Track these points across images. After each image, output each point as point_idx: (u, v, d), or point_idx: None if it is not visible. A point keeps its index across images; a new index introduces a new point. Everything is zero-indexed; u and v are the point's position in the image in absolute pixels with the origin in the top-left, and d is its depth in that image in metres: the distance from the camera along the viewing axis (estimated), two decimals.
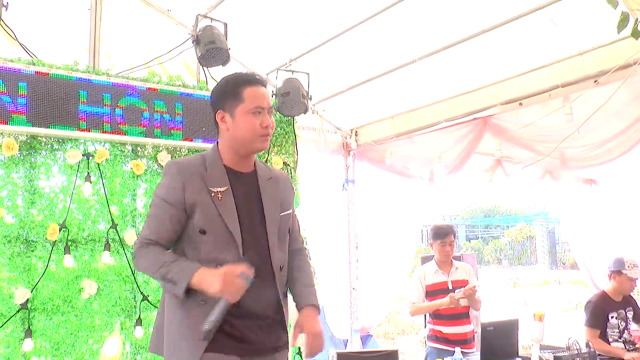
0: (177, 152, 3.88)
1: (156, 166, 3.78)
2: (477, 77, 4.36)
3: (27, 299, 3.26)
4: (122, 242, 3.56)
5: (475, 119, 4.46)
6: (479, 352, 3.91)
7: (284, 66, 4.36)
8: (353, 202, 5.46)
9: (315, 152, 5.04)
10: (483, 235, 40.74)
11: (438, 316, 4.27)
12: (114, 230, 3.55)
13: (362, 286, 5.38)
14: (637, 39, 2.40)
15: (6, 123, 3.28)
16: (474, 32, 3.79)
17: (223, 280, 1.85)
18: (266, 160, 4.21)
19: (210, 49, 3.71)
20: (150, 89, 3.76)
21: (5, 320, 3.20)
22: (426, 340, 4.47)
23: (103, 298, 3.49)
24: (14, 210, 3.32)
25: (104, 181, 3.57)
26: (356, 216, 5.47)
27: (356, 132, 5.42)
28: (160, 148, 3.81)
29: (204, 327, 1.84)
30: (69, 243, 3.41)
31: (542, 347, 3.84)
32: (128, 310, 3.56)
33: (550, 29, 3.67)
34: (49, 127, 3.39)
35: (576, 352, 3.79)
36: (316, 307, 2.19)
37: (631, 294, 4.55)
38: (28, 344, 3.22)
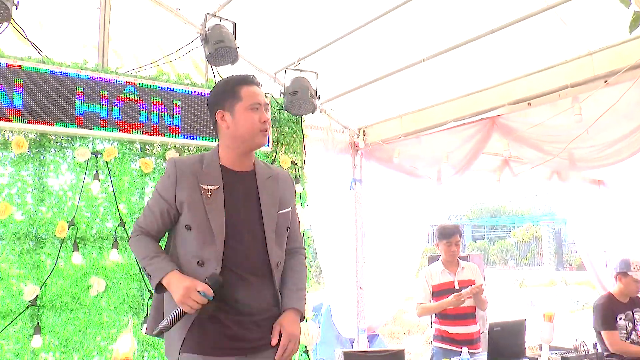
0: (185, 151, 3.89)
1: (164, 164, 3.79)
2: (485, 76, 4.35)
3: (36, 296, 3.28)
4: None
5: (483, 118, 4.45)
6: (485, 353, 3.91)
7: (292, 65, 4.37)
8: (360, 201, 5.45)
9: (323, 151, 5.05)
10: (489, 235, 40.63)
11: (444, 316, 4.27)
12: (122, 228, 3.56)
13: (369, 285, 5.37)
14: None
15: (12, 121, 3.30)
16: (483, 31, 3.78)
17: (184, 293, 1.98)
18: (274, 158, 4.21)
19: (219, 47, 3.72)
20: (161, 87, 3.78)
21: (14, 317, 3.22)
22: (432, 340, 4.47)
23: (111, 295, 3.51)
24: (23, 208, 3.33)
25: (112, 179, 3.58)
26: (363, 215, 5.46)
27: (364, 131, 5.42)
28: (169, 146, 3.82)
29: (157, 327, 2.04)
30: (78, 240, 3.43)
31: (550, 349, 3.83)
32: (136, 308, 3.57)
33: (560, 28, 3.66)
34: (55, 124, 3.41)
35: (584, 353, 3.78)
36: (298, 311, 2.23)
37: (638, 295, 4.52)
38: (37, 341, 3.24)
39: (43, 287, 3.31)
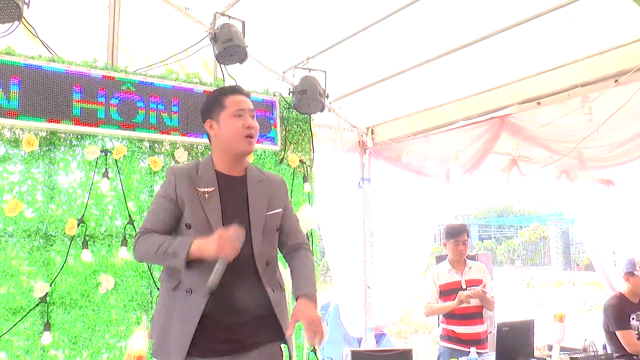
0: (194, 149, 3.90)
1: (173, 163, 3.80)
2: (494, 76, 4.34)
3: (46, 293, 3.30)
4: None
5: (492, 118, 4.44)
6: (492, 353, 3.90)
7: (301, 64, 4.37)
8: (368, 200, 5.45)
9: (332, 150, 5.04)
10: (496, 235, 40.46)
11: (451, 316, 4.26)
12: (131, 226, 3.57)
13: (377, 284, 5.37)
14: None
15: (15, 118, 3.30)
16: (493, 30, 3.77)
17: (218, 242, 2.03)
18: (283, 157, 4.22)
19: (228, 46, 3.72)
20: (167, 85, 3.79)
21: (25, 314, 3.24)
22: (439, 340, 4.46)
23: (120, 293, 3.53)
24: (33, 205, 3.35)
25: (121, 177, 3.60)
26: (371, 214, 5.46)
27: (372, 130, 5.41)
28: (177, 145, 3.83)
29: (207, 286, 2.02)
30: (87, 238, 3.44)
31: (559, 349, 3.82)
32: (144, 305, 3.59)
33: (570, 27, 3.63)
34: (62, 122, 3.42)
35: (593, 354, 3.76)
36: (309, 296, 2.26)
37: None
38: (47, 337, 3.26)
39: (53, 284, 3.33)
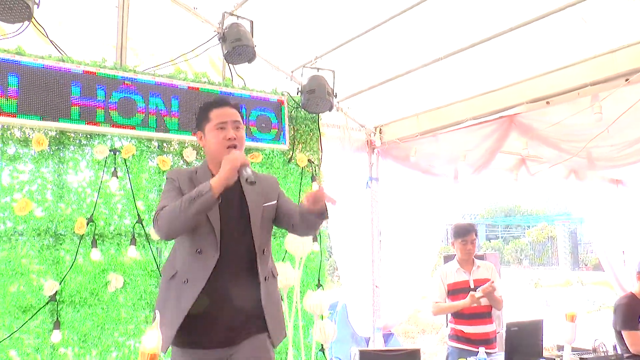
0: (202, 149, 3.89)
1: (182, 162, 3.81)
2: (503, 75, 4.32)
3: (56, 291, 3.31)
4: (147, 236, 3.60)
5: (501, 117, 4.42)
6: (501, 353, 3.89)
7: (309, 63, 4.36)
8: (377, 199, 5.44)
9: (340, 150, 5.03)
10: (503, 234, 40.31)
11: (460, 315, 4.25)
12: (140, 225, 3.59)
13: (385, 284, 5.36)
14: None
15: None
16: (502, 29, 3.75)
17: (231, 161, 2.24)
18: (291, 157, 4.22)
19: (237, 46, 3.72)
20: (172, 85, 3.80)
21: (35, 312, 3.26)
22: (447, 339, 4.45)
23: (129, 292, 3.54)
24: (43, 204, 3.37)
25: (130, 176, 3.61)
26: (380, 214, 5.45)
27: (380, 129, 5.41)
28: (186, 144, 3.84)
29: (248, 181, 2.22)
30: (96, 237, 3.46)
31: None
32: (153, 304, 3.58)
33: (580, 26, 3.61)
34: (73, 122, 3.44)
35: (603, 354, 3.74)
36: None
37: None
38: (56, 335, 3.28)
39: (62, 282, 3.35)
